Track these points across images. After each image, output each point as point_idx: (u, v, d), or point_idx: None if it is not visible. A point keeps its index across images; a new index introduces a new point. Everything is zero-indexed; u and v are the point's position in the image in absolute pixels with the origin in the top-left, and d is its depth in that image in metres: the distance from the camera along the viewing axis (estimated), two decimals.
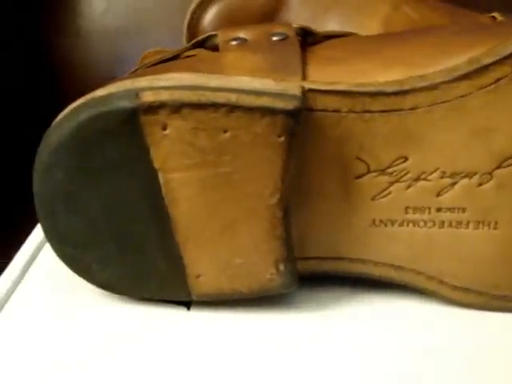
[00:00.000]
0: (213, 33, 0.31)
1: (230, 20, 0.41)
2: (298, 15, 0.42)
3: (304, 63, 0.30)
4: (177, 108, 0.25)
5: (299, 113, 0.26)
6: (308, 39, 0.32)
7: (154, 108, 0.25)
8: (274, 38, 0.31)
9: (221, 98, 0.25)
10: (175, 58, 0.32)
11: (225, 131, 0.26)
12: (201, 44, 0.32)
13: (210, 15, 0.42)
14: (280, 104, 0.26)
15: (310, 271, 0.32)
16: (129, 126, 0.26)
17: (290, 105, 0.26)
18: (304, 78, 0.29)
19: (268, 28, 0.31)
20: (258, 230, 0.28)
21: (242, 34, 0.31)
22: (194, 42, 0.32)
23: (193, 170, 0.27)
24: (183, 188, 0.27)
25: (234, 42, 0.30)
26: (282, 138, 0.26)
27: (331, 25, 0.42)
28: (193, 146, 0.26)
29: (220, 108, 0.25)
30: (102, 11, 0.58)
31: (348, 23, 0.42)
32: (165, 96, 0.25)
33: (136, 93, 0.25)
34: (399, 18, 0.39)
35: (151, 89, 0.25)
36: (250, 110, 0.26)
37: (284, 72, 0.29)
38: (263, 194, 0.28)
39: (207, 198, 0.27)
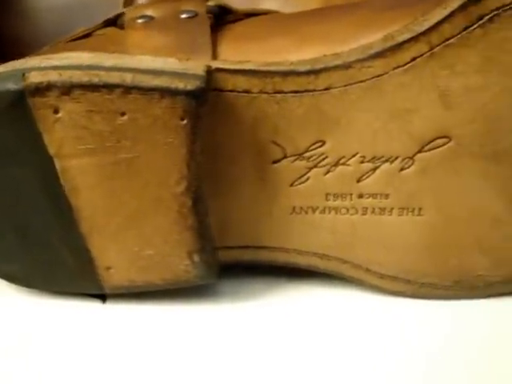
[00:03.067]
0: (123, 10, 0.30)
1: None
2: None
3: (216, 42, 0.29)
4: (67, 89, 0.24)
5: (202, 93, 0.25)
6: (228, 17, 0.31)
7: (41, 90, 0.24)
8: (183, 16, 0.29)
9: (115, 78, 0.24)
10: (87, 36, 0.30)
11: (122, 114, 0.25)
12: (113, 22, 0.30)
13: None
14: (180, 84, 0.24)
15: (232, 261, 0.31)
16: (19, 110, 0.24)
17: (190, 85, 0.24)
18: (215, 57, 0.28)
19: (177, 5, 0.30)
20: (167, 221, 0.27)
21: (149, 12, 0.30)
22: (105, 19, 0.30)
23: (91, 156, 0.25)
24: (82, 176, 0.26)
25: (140, 20, 0.29)
26: (185, 121, 0.25)
27: (269, 4, 0.40)
28: (88, 131, 0.25)
29: (114, 89, 0.24)
30: None
31: (287, 1, 0.40)
32: (53, 76, 0.24)
33: (23, 73, 0.24)
34: None
35: (39, 69, 0.24)
36: (147, 90, 0.24)
37: (191, 51, 0.28)
38: (168, 181, 0.26)
39: (109, 186, 0.26)
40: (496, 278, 0.30)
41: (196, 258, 0.28)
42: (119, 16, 0.30)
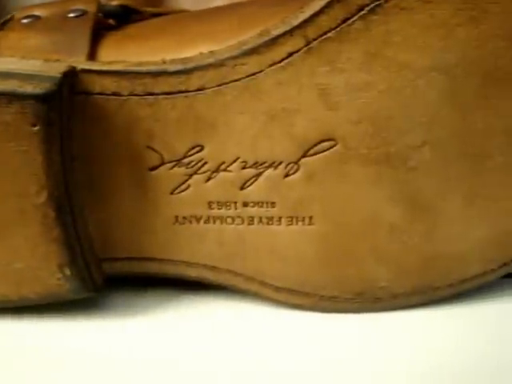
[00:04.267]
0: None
1: None
2: None
3: (99, 43, 0.27)
4: None
5: (54, 97, 0.23)
6: (134, 17, 0.29)
7: None
8: (71, 15, 0.27)
9: None
10: None
11: None
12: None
13: None
14: (29, 87, 0.23)
15: (119, 273, 0.29)
16: None
17: (40, 88, 0.23)
18: (92, 58, 0.26)
19: (67, 4, 0.28)
20: (32, 233, 0.25)
21: (37, 12, 0.28)
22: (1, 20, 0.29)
23: None
24: None
25: (24, 21, 0.27)
26: (37, 127, 0.23)
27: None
28: None
29: None
30: None
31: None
32: None
33: None
34: None
35: None
36: None
37: (67, 52, 0.26)
38: (29, 192, 0.24)
39: None
40: (400, 289, 0.28)
41: (67, 271, 0.26)
42: (12, 18, 0.28)
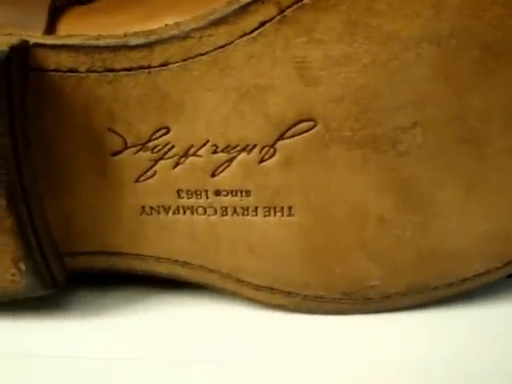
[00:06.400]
0: None
1: None
2: None
3: (59, 18, 0.26)
4: None
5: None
6: None
7: None
8: None
9: None
10: None
11: None
12: None
13: None
14: None
15: (82, 269, 0.27)
16: None
17: None
18: (51, 33, 0.24)
19: None
20: None
21: None
22: None
23: None
24: None
25: None
26: None
27: None
28: None
29: None
30: None
31: None
32: None
33: None
34: None
35: None
36: None
37: (22, 26, 0.24)
38: None
39: None
40: (393, 288, 0.25)
41: (22, 266, 0.24)
42: None
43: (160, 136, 0.24)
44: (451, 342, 0.25)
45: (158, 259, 0.26)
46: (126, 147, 0.24)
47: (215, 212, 0.25)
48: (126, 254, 0.26)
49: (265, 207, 0.24)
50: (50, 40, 0.23)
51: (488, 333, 0.26)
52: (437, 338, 0.26)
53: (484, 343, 0.25)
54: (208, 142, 0.24)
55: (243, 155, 0.24)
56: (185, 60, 0.23)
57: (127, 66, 0.23)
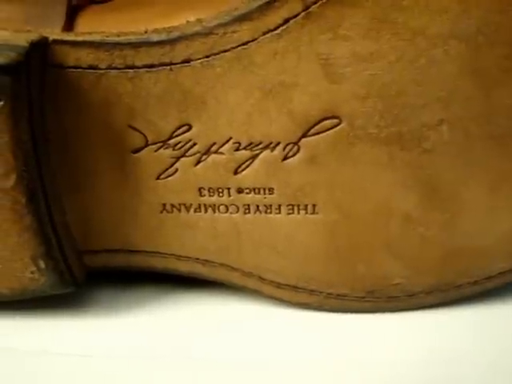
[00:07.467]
0: None
1: None
2: None
3: (78, 14, 0.26)
4: None
5: (20, 69, 0.21)
6: None
7: None
8: None
9: None
10: None
11: None
12: None
13: None
14: None
15: (102, 267, 0.27)
16: None
17: (3, 58, 0.21)
18: (69, 30, 0.24)
19: None
20: (2, 220, 0.23)
21: None
22: None
23: None
24: None
25: None
26: (2, 102, 0.21)
27: None
28: None
29: None
30: None
31: None
32: None
33: None
34: None
35: None
36: None
37: (40, 23, 0.24)
38: None
39: None
40: (417, 287, 0.25)
41: (41, 264, 0.24)
42: None
43: (182, 133, 0.24)
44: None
45: (179, 257, 0.26)
46: (147, 144, 0.24)
47: (237, 210, 0.25)
48: (146, 252, 0.26)
49: (288, 205, 0.24)
50: (69, 37, 0.23)
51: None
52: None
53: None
54: (230, 139, 0.23)
55: (266, 152, 0.24)
56: (207, 57, 0.22)
57: (148, 62, 0.23)
